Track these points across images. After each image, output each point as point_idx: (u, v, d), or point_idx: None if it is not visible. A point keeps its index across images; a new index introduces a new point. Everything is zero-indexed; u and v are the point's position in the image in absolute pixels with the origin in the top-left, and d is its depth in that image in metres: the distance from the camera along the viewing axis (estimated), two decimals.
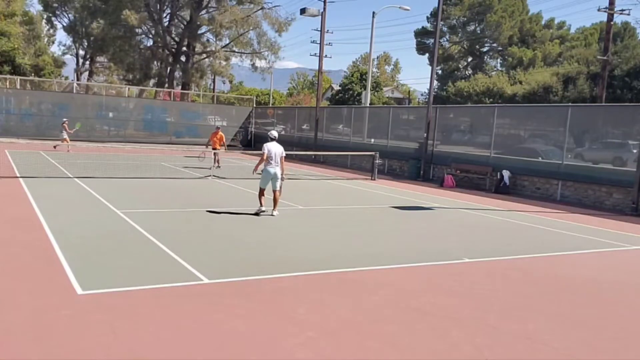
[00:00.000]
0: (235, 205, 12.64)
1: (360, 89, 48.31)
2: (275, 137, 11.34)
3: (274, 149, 11.01)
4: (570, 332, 5.42)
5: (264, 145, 11.10)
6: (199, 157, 22.62)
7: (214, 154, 21.05)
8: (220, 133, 22.25)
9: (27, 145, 24.65)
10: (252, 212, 11.09)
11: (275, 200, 11.09)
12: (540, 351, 4.89)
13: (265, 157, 10.88)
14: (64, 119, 26.24)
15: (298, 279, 6.70)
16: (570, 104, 26.75)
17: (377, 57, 79.33)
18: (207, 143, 22.53)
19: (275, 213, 10.99)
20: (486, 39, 55.82)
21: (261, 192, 11.21)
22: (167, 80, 42.89)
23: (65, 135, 24.77)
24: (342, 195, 16.11)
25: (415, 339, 5.00)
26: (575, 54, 42.81)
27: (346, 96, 52.15)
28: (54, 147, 24.83)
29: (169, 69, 43.48)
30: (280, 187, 11.32)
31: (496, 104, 30.53)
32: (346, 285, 6.53)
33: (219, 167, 20.99)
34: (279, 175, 11.13)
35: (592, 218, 13.98)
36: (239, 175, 19.25)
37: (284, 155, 11.20)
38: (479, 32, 55.59)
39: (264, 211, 11.02)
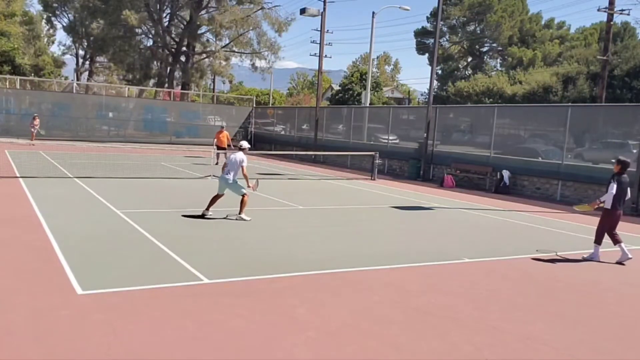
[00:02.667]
0: (236, 206, 12.63)
1: (360, 89, 48.29)
2: (241, 146, 10.92)
3: (232, 158, 10.65)
4: (570, 332, 5.42)
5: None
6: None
7: (221, 153, 21.42)
8: (225, 132, 22.88)
9: (27, 145, 24.65)
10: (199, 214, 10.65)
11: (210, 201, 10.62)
12: (540, 351, 4.89)
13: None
14: (35, 114, 27.83)
15: (298, 279, 6.70)
16: (570, 104, 26.78)
17: (377, 57, 79.38)
18: (215, 143, 22.86)
19: (238, 216, 10.47)
20: (486, 39, 55.83)
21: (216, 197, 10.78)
22: (167, 80, 42.91)
23: (33, 130, 26.37)
24: (342, 195, 16.11)
25: (415, 339, 5.00)
26: (575, 54, 42.80)
27: (346, 96, 52.13)
28: (32, 144, 25.29)
29: (168, 69, 43.51)
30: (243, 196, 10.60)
31: (496, 104, 30.52)
32: (346, 285, 6.53)
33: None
34: (228, 181, 10.60)
35: (593, 218, 13.97)
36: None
37: (242, 165, 10.59)
38: (478, 32, 55.60)
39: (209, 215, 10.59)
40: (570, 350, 4.96)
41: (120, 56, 41.93)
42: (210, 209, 10.67)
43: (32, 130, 26.71)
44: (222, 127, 23.60)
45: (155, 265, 6.93)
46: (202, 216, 10.54)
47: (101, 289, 5.81)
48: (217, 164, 21.36)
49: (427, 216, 12.77)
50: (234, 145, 11.22)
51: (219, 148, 22.00)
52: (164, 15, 42.26)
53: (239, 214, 10.53)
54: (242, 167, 10.64)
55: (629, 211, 15.24)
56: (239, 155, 10.70)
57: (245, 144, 11.16)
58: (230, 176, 10.64)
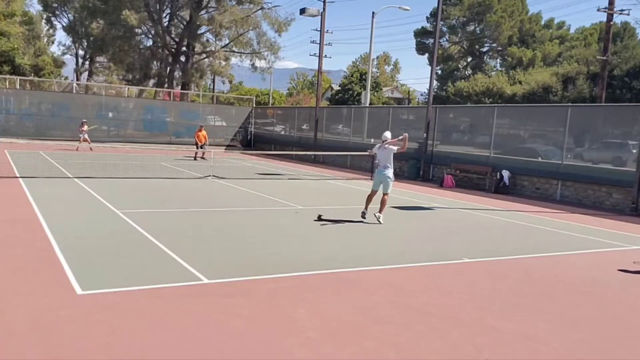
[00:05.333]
0: (236, 206, 12.66)
1: (360, 89, 48.31)
2: (386, 138, 10.99)
3: (384, 150, 10.88)
4: (570, 332, 5.42)
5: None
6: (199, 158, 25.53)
7: (203, 150, 24.57)
8: (203, 130, 25.78)
9: (27, 145, 24.65)
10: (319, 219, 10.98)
11: (382, 203, 10.89)
12: (540, 351, 4.88)
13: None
14: (84, 120, 27.59)
15: (298, 279, 6.70)
16: (570, 104, 26.77)
17: (377, 57, 79.42)
18: (199, 143, 25.45)
19: (377, 215, 10.76)
20: (486, 39, 55.85)
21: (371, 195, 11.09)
22: (166, 80, 42.87)
23: (86, 136, 26.36)
24: (342, 195, 16.11)
25: (415, 339, 4.99)
26: (575, 54, 42.81)
27: (346, 96, 52.16)
28: (90, 149, 26.02)
29: (168, 69, 43.47)
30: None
31: (496, 104, 30.52)
32: (346, 285, 6.53)
33: (205, 159, 24.17)
34: (387, 178, 10.85)
35: (592, 218, 13.98)
36: (238, 175, 19.26)
37: (394, 150, 10.81)
38: (478, 32, 55.63)
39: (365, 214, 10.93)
40: (570, 350, 4.96)
41: (120, 56, 41.87)
42: (368, 207, 10.95)
43: (83, 136, 26.01)
44: (202, 126, 26.49)
45: (155, 265, 6.93)
46: (362, 215, 10.89)
47: (101, 289, 5.81)
48: (204, 157, 24.36)
49: (427, 216, 12.77)
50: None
51: (197, 145, 25.08)
52: (164, 15, 42.21)
53: (380, 212, 10.80)
54: (394, 149, 10.71)
55: (629, 211, 15.25)
56: (389, 147, 10.79)
57: (387, 134, 11.07)
58: (389, 171, 10.82)
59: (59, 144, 26.19)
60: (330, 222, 10.90)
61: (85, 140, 25.79)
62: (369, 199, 11.07)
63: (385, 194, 10.88)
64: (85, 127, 26.46)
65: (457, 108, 28.68)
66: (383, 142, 10.94)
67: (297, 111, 35.92)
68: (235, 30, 40.83)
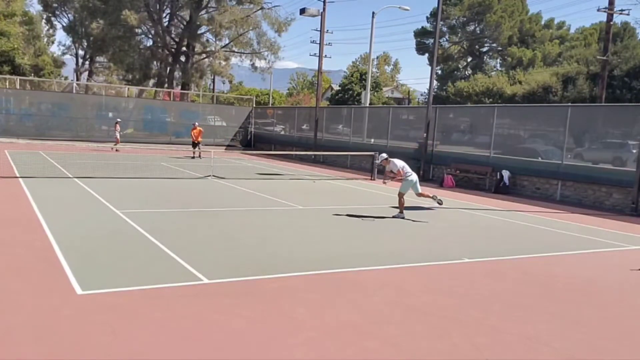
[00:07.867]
0: (236, 206, 12.66)
1: (360, 89, 48.34)
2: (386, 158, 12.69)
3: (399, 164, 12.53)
4: (570, 332, 5.42)
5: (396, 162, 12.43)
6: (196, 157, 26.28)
7: (198, 148, 25.49)
8: (197, 128, 26.32)
9: (27, 145, 24.65)
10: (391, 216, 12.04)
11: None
12: (540, 351, 4.88)
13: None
14: (118, 119, 29.08)
15: (298, 279, 6.70)
16: (570, 104, 26.76)
17: (377, 57, 79.45)
18: (196, 142, 26.24)
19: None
20: (486, 39, 55.84)
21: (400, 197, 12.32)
22: (166, 80, 42.88)
23: (118, 135, 27.76)
24: (342, 195, 16.11)
25: (415, 339, 5.00)
26: (575, 54, 42.79)
27: (346, 96, 52.20)
28: (115, 149, 27.29)
29: (168, 69, 43.47)
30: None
31: (496, 104, 30.51)
32: (346, 285, 6.53)
33: (200, 157, 25.35)
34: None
35: (592, 218, 13.98)
36: (238, 175, 19.27)
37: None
38: (478, 32, 55.62)
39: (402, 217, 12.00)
40: (570, 350, 4.96)
41: (120, 56, 41.86)
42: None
43: (116, 135, 27.62)
44: (195, 124, 27.11)
45: (155, 265, 6.93)
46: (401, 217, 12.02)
47: (101, 289, 5.81)
48: (198, 157, 25.46)
49: (427, 216, 12.76)
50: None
51: (196, 142, 25.74)
52: (164, 15, 42.22)
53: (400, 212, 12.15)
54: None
55: (628, 211, 15.24)
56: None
57: (383, 155, 12.86)
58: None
59: (90, 146, 27.28)
60: (330, 222, 10.89)
61: (117, 140, 27.22)
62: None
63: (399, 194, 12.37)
64: (118, 128, 27.86)
65: (457, 108, 28.66)
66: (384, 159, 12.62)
67: (297, 111, 35.91)
68: (235, 30, 40.85)
